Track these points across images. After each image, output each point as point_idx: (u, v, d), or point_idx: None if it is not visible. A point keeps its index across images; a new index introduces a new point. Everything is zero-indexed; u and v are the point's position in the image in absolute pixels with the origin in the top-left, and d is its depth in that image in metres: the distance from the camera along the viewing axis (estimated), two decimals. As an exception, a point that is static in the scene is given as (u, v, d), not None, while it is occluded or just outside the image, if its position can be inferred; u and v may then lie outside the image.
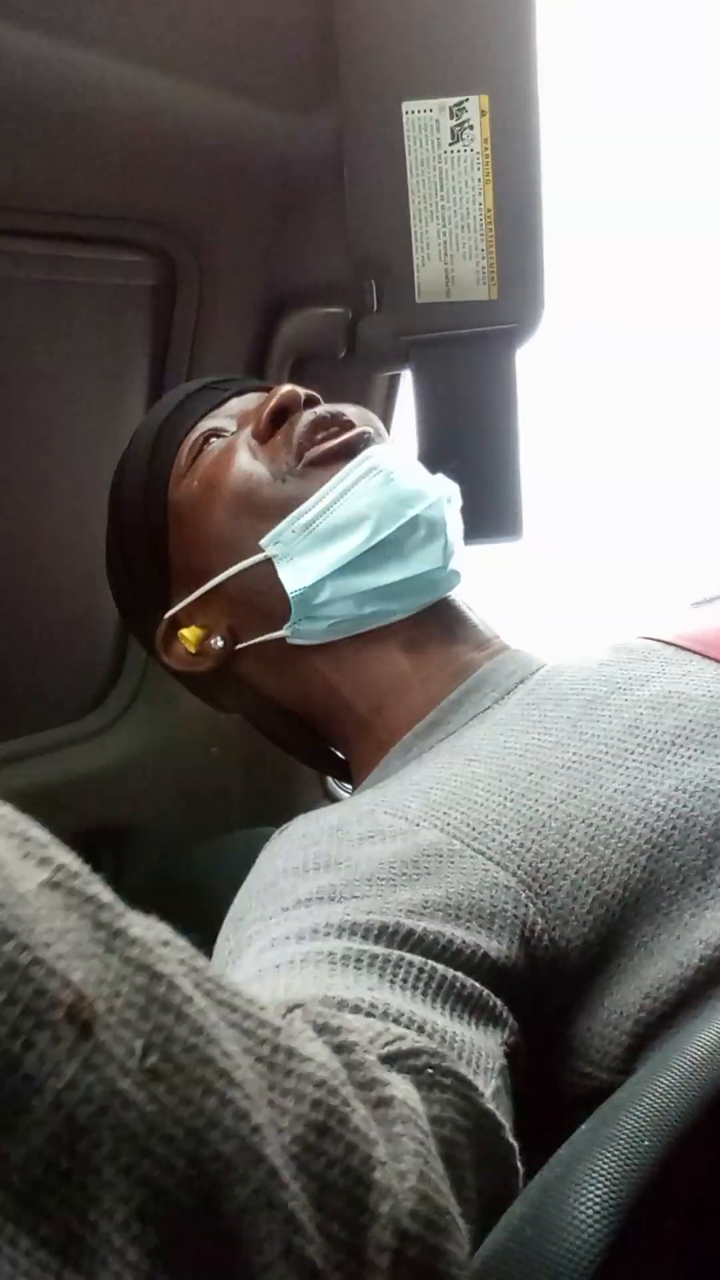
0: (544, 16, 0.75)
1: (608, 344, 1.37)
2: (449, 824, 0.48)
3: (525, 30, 0.75)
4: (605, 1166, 0.29)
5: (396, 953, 0.40)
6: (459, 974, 0.40)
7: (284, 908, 0.45)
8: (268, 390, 0.73)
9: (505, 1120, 0.35)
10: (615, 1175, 0.28)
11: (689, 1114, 0.30)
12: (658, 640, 0.60)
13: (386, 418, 1.03)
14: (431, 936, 0.41)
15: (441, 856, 0.46)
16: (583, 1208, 0.28)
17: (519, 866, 0.46)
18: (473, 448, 0.84)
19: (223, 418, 0.71)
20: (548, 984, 0.44)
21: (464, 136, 0.77)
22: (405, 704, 0.63)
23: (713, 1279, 0.32)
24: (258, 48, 0.76)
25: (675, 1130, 0.30)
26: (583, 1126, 0.31)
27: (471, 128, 0.76)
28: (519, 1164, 0.35)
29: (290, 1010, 0.32)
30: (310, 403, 0.67)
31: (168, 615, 0.71)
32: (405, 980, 0.39)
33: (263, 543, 0.63)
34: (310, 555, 0.62)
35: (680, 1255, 0.30)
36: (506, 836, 0.47)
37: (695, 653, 0.57)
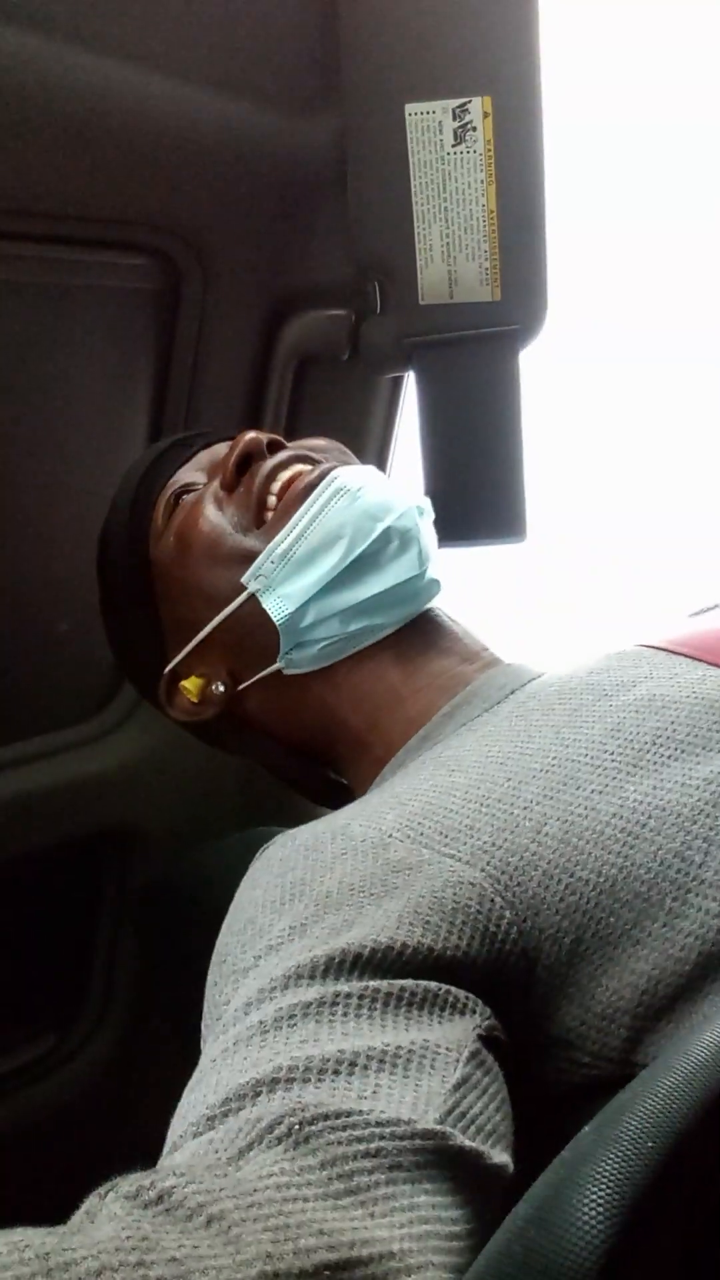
0: (547, 18, 0.75)
1: (611, 345, 1.37)
2: (421, 834, 0.49)
3: (528, 32, 0.75)
4: (608, 1168, 0.29)
5: (335, 988, 0.41)
6: (407, 981, 0.41)
7: (256, 956, 0.46)
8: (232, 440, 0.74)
9: (453, 1109, 0.37)
10: (618, 1176, 0.28)
11: (692, 1115, 0.30)
12: (650, 646, 0.61)
13: (390, 420, 1.04)
14: (381, 951, 0.42)
15: (410, 869, 0.47)
16: (586, 1209, 0.28)
17: (488, 863, 0.47)
18: (476, 449, 0.84)
19: (193, 471, 0.73)
20: (523, 974, 0.45)
21: (467, 138, 0.77)
22: (399, 717, 0.64)
23: (717, 1281, 0.32)
24: (261, 50, 0.76)
25: (678, 1131, 0.30)
26: (586, 1128, 0.31)
27: (474, 129, 0.76)
28: (478, 1144, 0.36)
29: (200, 1128, 0.36)
30: (274, 447, 0.68)
31: (166, 670, 0.73)
32: (345, 1014, 0.40)
33: (244, 579, 0.65)
34: (290, 582, 0.64)
35: (684, 1256, 0.30)
36: (478, 839, 0.48)
37: (685, 655, 0.58)
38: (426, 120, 0.76)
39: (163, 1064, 1.08)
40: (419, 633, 0.66)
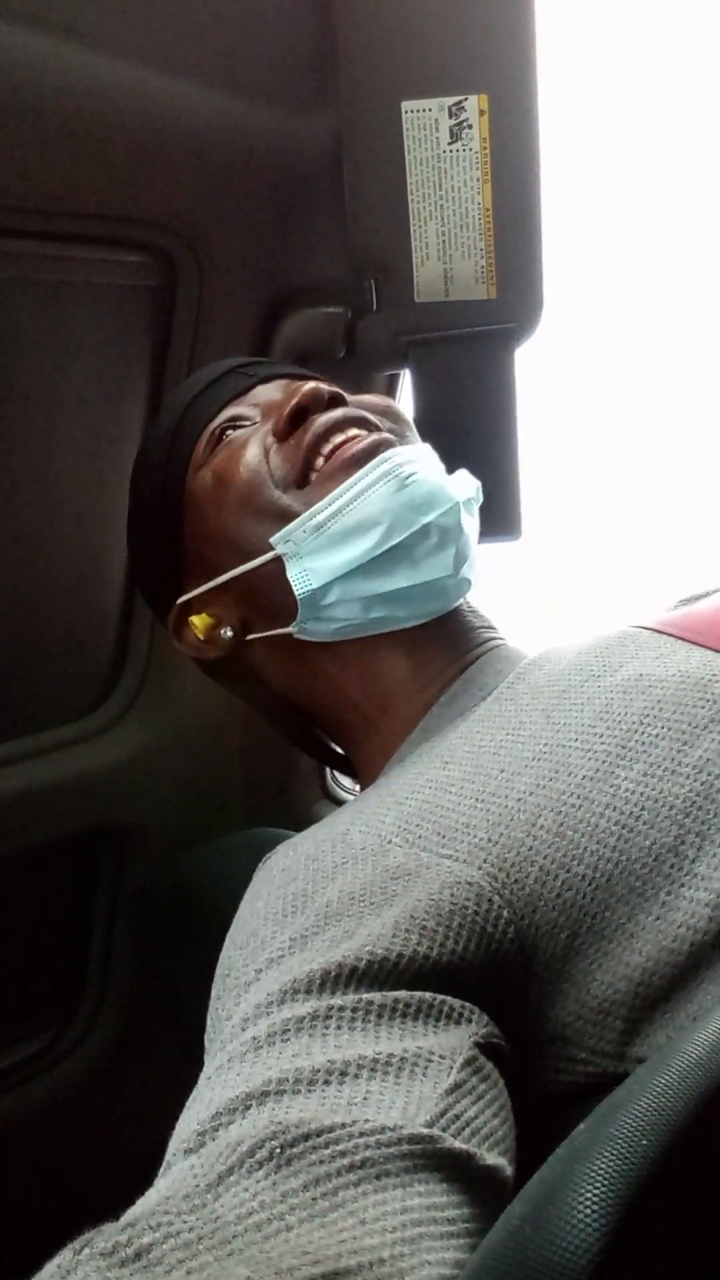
0: (543, 16, 0.75)
1: (607, 343, 1.37)
2: (419, 837, 0.49)
3: (524, 30, 0.75)
4: (603, 1166, 0.29)
5: (329, 1002, 0.41)
6: (401, 993, 0.41)
7: (257, 970, 0.46)
8: (298, 377, 0.72)
9: (444, 1113, 0.36)
10: (613, 1175, 0.28)
11: (687, 1113, 0.30)
12: (638, 627, 0.61)
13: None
14: (377, 963, 0.42)
15: (410, 874, 0.47)
16: (581, 1207, 0.28)
17: (485, 860, 0.47)
18: (472, 447, 0.84)
19: (246, 405, 0.70)
20: (520, 971, 0.45)
21: (463, 136, 0.77)
22: (405, 705, 0.64)
23: (712, 1278, 0.32)
24: (257, 47, 0.76)
25: (673, 1129, 0.30)
26: (581, 1126, 0.31)
27: (470, 127, 0.76)
28: (470, 1146, 0.36)
29: (188, 1150, 0.36)
30: (335, 401, 0.66)
31: (179, 601, 0.72)
32: (339, 1026, 0.40)
33: (273, 540, 0.63)
34: (320, 557, 0.62)
35: (679, 1254, 0.30)
36: (475, 836, 0.48)
37: (672, 636, 0.58)
38: (422, 118, 0.76)
39: (158, 1060, 1.08)
40: (438, 624, 0.65)
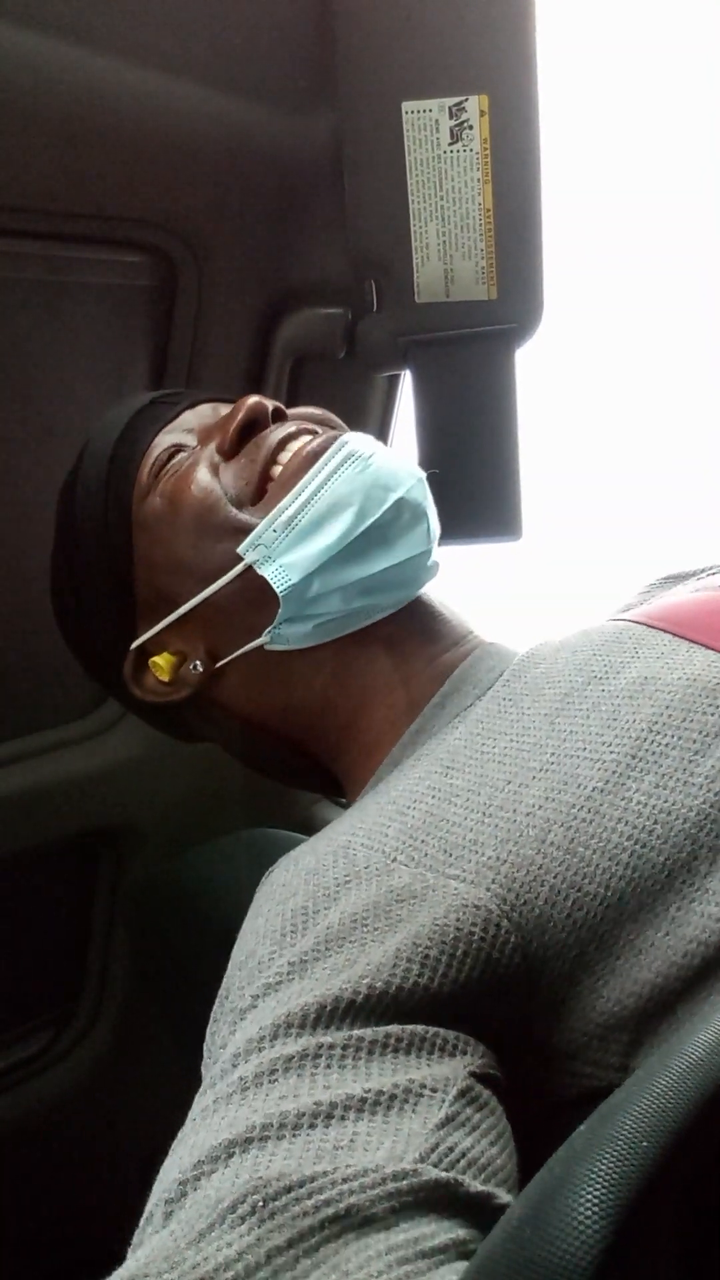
0: (544, 16, 0.75)
1: (607, 344, 1.37)
2: (425, 855, 0.47)
3: (525, 30, 0.75)
4: (603, 1168, 0.29)
5: (319, 1039, 0.39)
6: (393, 1027, 0.40)
7: (255, 995, 0.44)
8: (221, 401, 0.71)
9: (435, 1147, 0.35)
10: (613, 1176, 0.28)
11: (687, 1115, 0.30)
12: (630, 621, 0.59)
13: (386, 418, 1.04)
14: (376, 996, 0.41)
15: (415, 897, 0.45)
16: (581, 1209, 0.28)
17: (494, 880, 0.45)
18: (472, 448, 0.84)
19: (180, 432, 0.68)
20: (523, 992, 0.44)
21: (463, 136, 0.77)
22: (387, 705, 0.62)
23: (713, 1279, 0.32)
24: (257, 48, 0.76)
25: (674, 1131, 0.30)
26: (581, 1128, 0.31)
27: (471, 128, 0.76)
28: (456, 1174, 0.35)
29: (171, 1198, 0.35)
30: (278, 416, 0.65)
31: (134, 645, 0.67)
32: (328, 1065, 0.38)
33: (240, 549, 0.60)
34: (294, 551, 0.59)
35: (679, 1257, 0.30)
36: (483, 855, 0.46)
37: (668, 632, 0.56)
38: (423, 118, 0.76)
39: (157, 1060, 1.08)
40: (411, 617, 0.63)
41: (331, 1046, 0.39)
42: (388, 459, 0.62)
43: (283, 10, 0.76)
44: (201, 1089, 0.43)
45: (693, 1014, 0.42)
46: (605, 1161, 0.29)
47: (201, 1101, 0.41)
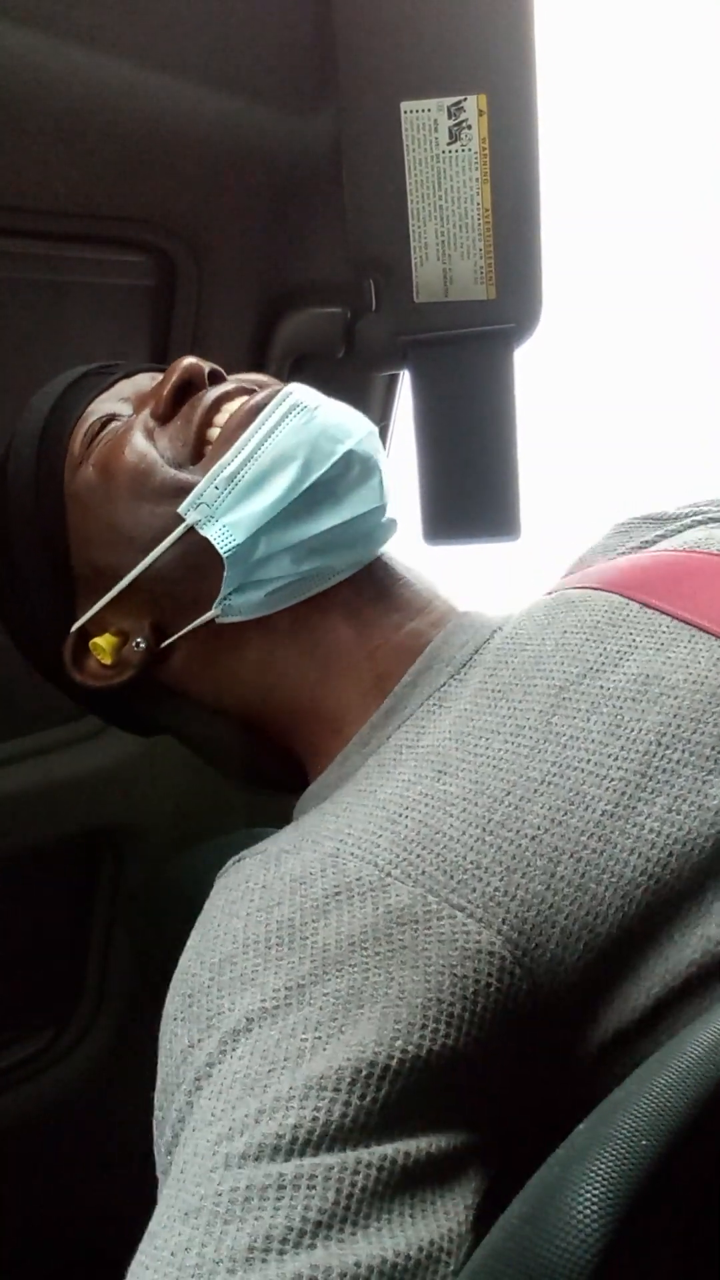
0: (542, 16, 0.75)
1: (607, 343, 1.37)
2: (423, 872, 0.44)
3: (523, 30, 0.75)
4: (603, 1166, 0.29)
5: (355, 1156, 0.36)
6: (413, 1144, 0.37)
7: (248, 1018, 0.41)
8: (159, 370, 0.67)
9: None
10: (613, 1175, 0.28)
11: (687, 1114, 0.30)
12: (620, 594, 0.55)
13: (385, 418, 1.04)
14: (409, 1058, 0.38)
15: (417, 922, 0.42)
16: (580, 1208, 0.28)
17: (504, 920, 0.42)
18: (471, 448, 0.84)
19: (114, 401, 0.64)
20: (529, 1030, 0.42)
21: (462, 136, 0.77)
22: (352, 678, 0.58)
23: (712, 1278, 0.32)
24: (256, 47, 0.76)
25: (673, 1130, 0.30)
26: (581, 1126, 0.31)
27: (469, 127, 0.76)
28: None
29: None
30: (215, 378, 0.62)
31: (75, 627, 0.63)
32: (361, 1197, 0.35)
33: (181, 509, 0.56)
34: (238, 509, 0.56)
35: (678, 1255, 0.30)
36: (488, 884, 0.43)
37: (664, 612, 0.53)
38: (421, 118, 0.76)
39: (157, 1060, 1.08)
40: (370, 581, 0.59)
41: (368, 1166, 0.36)
42: (335, 409, 0.59)
43: (283, 10, 0.76)
44: (189, 1103, 0.41)
45: (691, 1018, 0.41)
46: (605, 1160, 0.29)
47: (185, 1180, 0.37)
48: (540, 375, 0.90)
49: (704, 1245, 0.31)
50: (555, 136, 0.80)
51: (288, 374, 0.96)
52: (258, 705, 0.60)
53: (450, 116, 0.76)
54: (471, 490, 0.85)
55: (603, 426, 1.44)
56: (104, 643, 0.61)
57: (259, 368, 0.94)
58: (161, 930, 1.02)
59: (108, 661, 0.61)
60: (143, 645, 0.60)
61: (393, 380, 1.01)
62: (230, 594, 0.57)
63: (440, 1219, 0.36)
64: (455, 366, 0.83)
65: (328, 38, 0.76)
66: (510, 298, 0.81)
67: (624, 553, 0.67)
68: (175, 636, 0.60)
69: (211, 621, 0.58)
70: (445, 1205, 0.37)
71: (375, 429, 0.60)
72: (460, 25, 0.74)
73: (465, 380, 0.83)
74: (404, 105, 0.76)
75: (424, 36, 0.75)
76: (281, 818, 0.59)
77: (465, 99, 0.76)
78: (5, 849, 0.95)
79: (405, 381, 0.88)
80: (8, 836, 0.94)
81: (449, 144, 0.77)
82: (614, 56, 1.09)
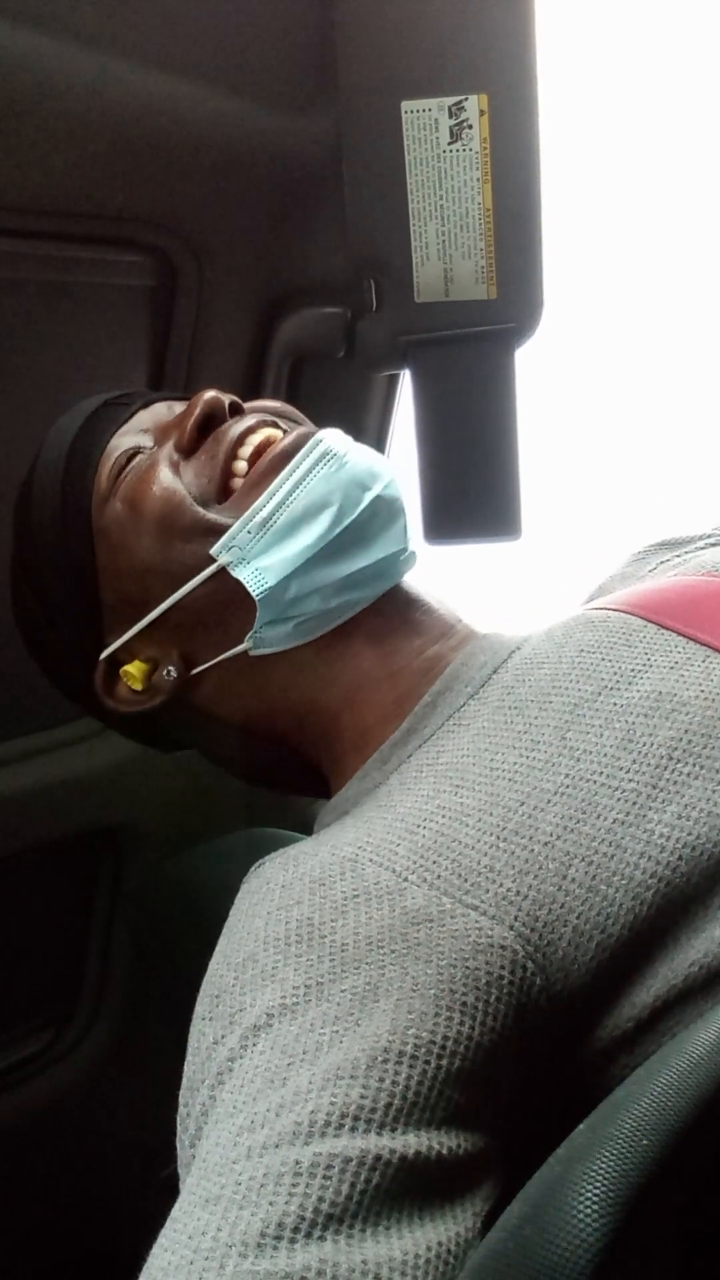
0: (544, 15, 0.75)
1: (607, 343, 1.37)
2: (438, 877, 0.46)
3: (524, 29, 0.75)
4: (604, 1166, 0.29)
5: (376, 1143, 0.37)
6: (424, 1142, 0.37)
7: (268, 1013, 0.42)
8: (176, 400, 0.69)
9: None
10: (614, 1175, 0.28)
11: (687, 1113, 0.30)
12: (635, 614, 0.57)
13: (385, 418, 1.04)
14: (424, 1044, 0.39)
15: (432, 921, 0.44)
16: (581, 1207, 0.28)
17: (515, 918, 0.43)
18: (471, 448, 0.84)
19: (135, 434, 0.65)
20: (539, 1032, 0.43)
21: (463, 136, 0.77)
22: (375, 700, 0.60)
23: (712, 1278, 0.32)
24: (256, 47, 0.76)
25: (674, 1129, 0.30)
26: (581, 1125, 0.31)
27: (470, 127, 0.76)
28: None
29: None
30: (235, 410, 0.63)
31: (104, 655, 0.65)
32: (376, 1193, 0.36)
33: (213, 551, 0.59)
34: (269, 554, 0.58)
35: (679, 1254, 0.30)
36: (501, 885, 0.44)
37: (678, 633, 0.54)
38: (422, 118, 0.76)
39: (156, 1060, 1.08)
40: (392, 606, 0.62)
41: (384, 1163, 0.36)
42: (363, 455, 0.61)
43: (283, 10, 0.76)
44: (194, 1088, 0.42)
45: (693, 1019, 0.41)
46: (605, 1160, 0.29)
47: (209, 1166, 0.38)
48: (541, 375, 0.90)
49: (704, 1245, 0.31)
50: (556, 136, 0.80)
51: (287, 374, 0.96)
52: (283, 728, 0.63)
53: (451, 116, 0.76)
54: (472, 490, 0.85)
55: (604, 426, 1.44)
56: (134, 670, 0.63)
57: (259, 368, 0.94)
58: (161, 930, 1.02)
59: (138, 688, 0.64)
60: (173, 673, 0.63)
61: (393, 380, 1.01)
62: (261, 628, 0.59)
63: (449, 1223, 0.37)
64: (456, 367, 0.83)
65: (328, 38, 0.76)
66: (511, 298, 0.81)
67: (642, 578, 0.69)
68: (205, 666, 0.62)
69: (242, 654, 0.61)
70: (455, 1210, 0.37)
71: (396, 473, 0.63)
72: (461, 25, 0.74)
73: (466, 380, 0.83)
74: (405, 105, 0.76)
75: (425, 36, 0.75)
76: (282, 818, 0.60)
77: (466, 99, 0.76)
78: (5, 849, 0.95)
79: (405, 382, 0.88)
80: (8, 836, 0.94)
81: (450, 144, 0.77)
82: (615, 56, 1.09)
